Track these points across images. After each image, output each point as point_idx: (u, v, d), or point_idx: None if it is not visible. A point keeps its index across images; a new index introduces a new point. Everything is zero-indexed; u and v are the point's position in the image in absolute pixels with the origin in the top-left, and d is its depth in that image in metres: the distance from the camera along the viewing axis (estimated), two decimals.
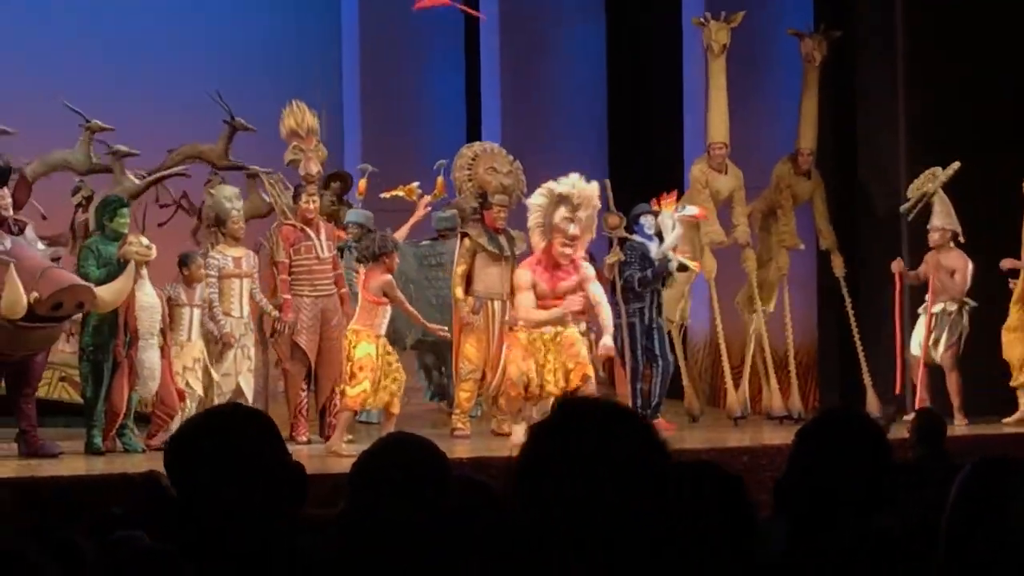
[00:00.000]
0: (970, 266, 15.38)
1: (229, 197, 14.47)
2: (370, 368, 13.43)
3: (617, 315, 14.96)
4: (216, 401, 13.70)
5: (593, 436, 2.95)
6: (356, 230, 15.65)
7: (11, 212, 13.07)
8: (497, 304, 15.02)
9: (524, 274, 13.95)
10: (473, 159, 15.28)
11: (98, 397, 13.38)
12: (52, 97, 15.92)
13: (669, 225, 15.34)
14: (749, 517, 4.21)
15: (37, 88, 17.76)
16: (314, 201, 14.55)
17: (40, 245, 13.34)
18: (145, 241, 13.57)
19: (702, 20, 16.60)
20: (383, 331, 13.66)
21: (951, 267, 15.40)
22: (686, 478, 3.93)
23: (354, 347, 13.54)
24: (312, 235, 14.44)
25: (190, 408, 13.85)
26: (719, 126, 16.26)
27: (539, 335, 13.69)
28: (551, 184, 13.90)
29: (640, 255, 15.39)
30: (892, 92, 16.98)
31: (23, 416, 13.04)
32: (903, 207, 15.75)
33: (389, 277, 13.63)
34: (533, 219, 13.89)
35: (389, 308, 13.66)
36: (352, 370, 13.51)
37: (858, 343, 16.25)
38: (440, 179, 16.24)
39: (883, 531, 4.16)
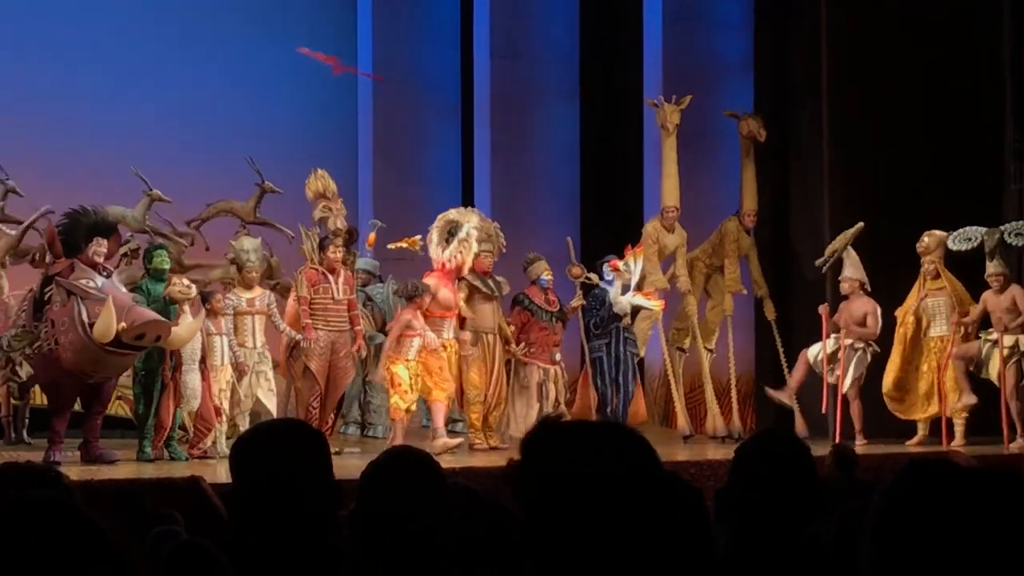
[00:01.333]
0: (878, 310, 15.30)
1: (247, 249, 14.38)
2: (403, 382, 13.89)
3: (590, 351, 15.29)
4: (237, 418, 14.01)
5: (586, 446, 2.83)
6: (364, 276, 15.98)
7: (102, 259, 13.08)
8: (490, 337, 14.83)
9: None
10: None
11: (148, 413, 13.50)
12: (122, 162, 15.92)
13: (633, 269, 15.35)
14: (707, 525, 4.19)
15: (100, 145, 18.05)
16: (339, 252, 14.51)
17: (123, 288, 13.31)
18: (185, 282, 13.67)
19: (656, 102, 16.58)
20: (412, 355, 13.94)
21: (862, 312, 15.31)
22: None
23: (387, 370, 13.98)
24: (331, 279, 14.33)
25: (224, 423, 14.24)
26: (672, 192, 16.14)
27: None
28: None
29: (600, 300, 15.29)
30: (820, 163, 16.85)
31: (90, 429, 13.20)
32: (817, 261, 15.70)
33: (408, 316, 13.99)
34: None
35: (417, 339, 13.95)
36: (392, 386, 14.01)
37: (787, 374, 16.13)
38: (372, 234, 16.54)
39: (813, 537, 4.19)
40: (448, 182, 20.29)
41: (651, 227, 16.15)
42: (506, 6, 19.46)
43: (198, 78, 19.50)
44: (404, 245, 15.47)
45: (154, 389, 13.50)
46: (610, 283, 15.36)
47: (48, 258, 13.22)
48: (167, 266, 13.81)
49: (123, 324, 12.48)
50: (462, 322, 14.76)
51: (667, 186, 16.16)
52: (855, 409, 15.25)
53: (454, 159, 20.58)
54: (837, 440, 13.94)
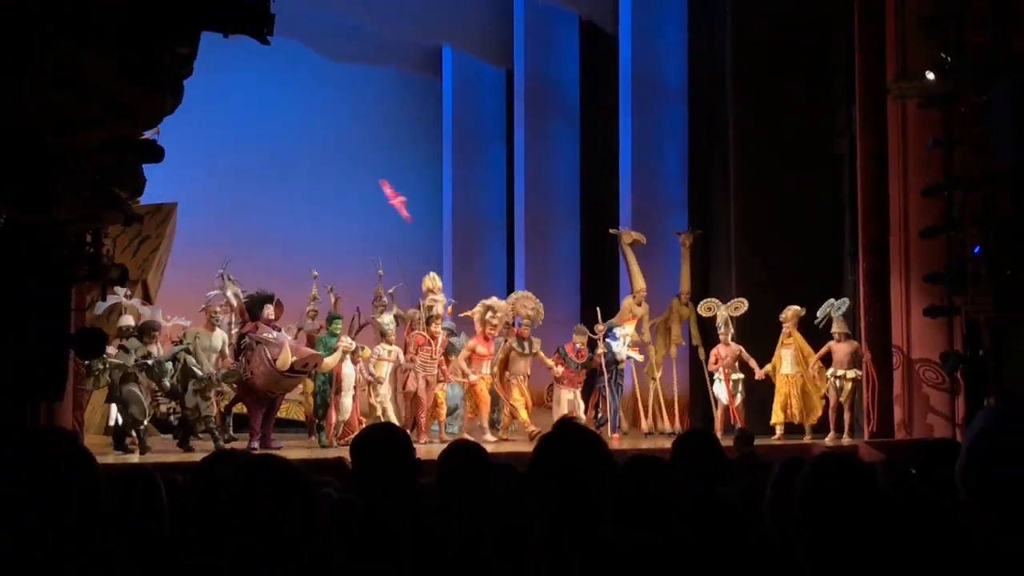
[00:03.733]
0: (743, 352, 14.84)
1: (387, 322, 14.12)
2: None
3: (602, 383, 14.97)
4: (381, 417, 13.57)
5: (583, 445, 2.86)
6: (446, 332, 15.02)
7: (272, 319, 12.92)
8: (520, 377, 14.50)
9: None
10: (515, 300, 14.99)
11: (322, 418, 13.43)
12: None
13: (622, 337, 15.25)
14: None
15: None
16: (439, 327, 14.20)
17: (289, 337, 13.18)
18: (349, 341, 13.52)
19: (616, 231, 16.43)
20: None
21: (738, 352, 14.84)
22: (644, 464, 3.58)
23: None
24: (431, 341, 14.11)
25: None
26: (639, 281, 15.95)
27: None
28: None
29: (611, 350, 15.04)
30: (728, 259, 16.59)
31: (268, 427, 12.92)
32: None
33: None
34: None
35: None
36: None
37: (711, 393, 15.52)
38: (449, 307, 15.77)
39: (724, 496, 4.04)
40: (498, 273, 20.17)
41: (626, 303, 15.97)
42: (533, 165, 19.22)
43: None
44: (469, 314, 15.01)
45: (323, 404, 13.43)
46: (616, 339, 15.18)
47: (241, 321, 13.12)
48: (339, 330, 13.50)
49: (295, 357, 12.54)
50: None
51: (635, 279, 15.92)
52: (740, 416, 14.67)
53: (502, 258, 20.38)
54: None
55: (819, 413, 14.52)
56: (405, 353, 14.12)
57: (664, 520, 2.96)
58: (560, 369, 14.54)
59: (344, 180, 19.42)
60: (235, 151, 18.39)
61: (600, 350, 14.90)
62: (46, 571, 2.21)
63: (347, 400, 13.45)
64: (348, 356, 13.51)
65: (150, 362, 12.27)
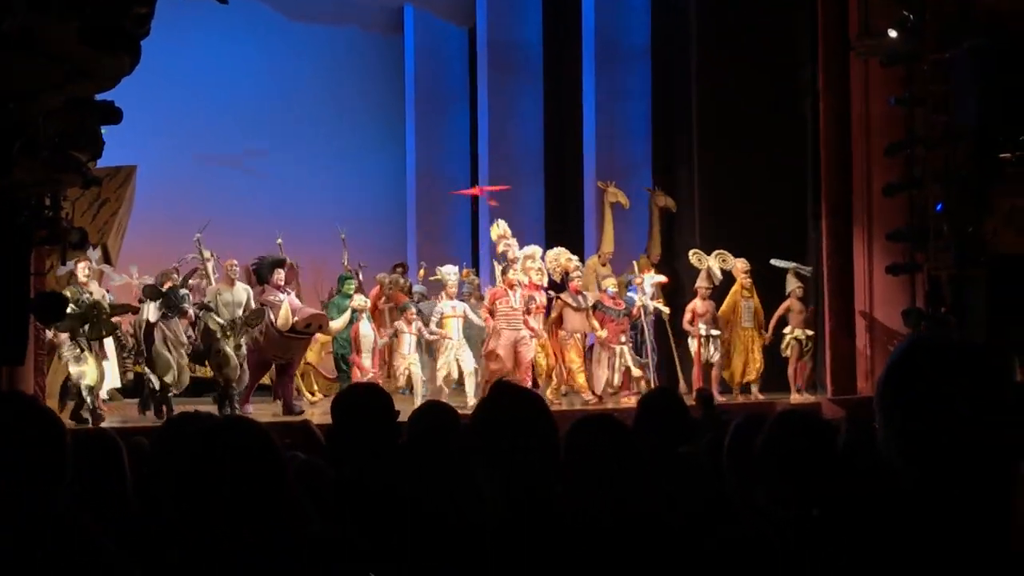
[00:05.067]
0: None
1: (449, 273, 13.54)
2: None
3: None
4: (440, 383, 13.02)
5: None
6: (419, 296, 15.17)
7: (282, 283, 12.62)
8: (578, 336, 13.87)
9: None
10: (557, 255, 14.30)
11: (346, 382, 12.71)
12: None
13: (653, 287, 15.02)
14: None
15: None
16: (516, 275, 13.23)
17: (298, 301, 12.81)
18: (363, 299, 13.15)
19: (604, 185, 16.22)
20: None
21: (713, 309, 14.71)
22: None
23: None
24: (510, 294, 13.19)
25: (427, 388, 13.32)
26: (608, 244, 15.89)
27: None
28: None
29: (631, 303, 14.54)
30: (692, 215, 16.57)
31: (286, 390, 12.59)
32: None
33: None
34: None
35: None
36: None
37: (675, 353, 15.53)
38: (421, 271, 15.86)
39: (686, 454, 4.12)
40: (463, 236, 20.12)
41: (592, 263, 15.92)
42: (496, 126, 19.11)
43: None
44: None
45: (344, 368, 13.01)
46: (635, 290, 14.92)
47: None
48: (352, 291, 13.14)
49: (296, 318, 12.19)
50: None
51: (607, 240, 15.81)
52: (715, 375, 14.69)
53: (467, 220, 20.30)
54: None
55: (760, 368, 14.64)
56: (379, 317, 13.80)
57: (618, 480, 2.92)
58: (604, 332, 13.96)
59: (306, 141, 19.30)
60: (196, 112, 18.23)
61: (639, 303, 14.54)
62: (13, 534, 2.21)
63: (367, 361, 12.98)
64: (368, 316, 13.15)
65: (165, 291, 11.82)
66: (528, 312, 13.17)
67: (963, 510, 1.87)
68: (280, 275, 12.65)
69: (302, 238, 15.38)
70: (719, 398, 13.60)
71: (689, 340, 14.77)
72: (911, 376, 1.95)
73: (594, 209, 16.85)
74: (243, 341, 12.09)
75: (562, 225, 18.61)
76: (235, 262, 12.59)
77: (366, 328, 13.05)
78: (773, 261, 14.86)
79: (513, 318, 13.04)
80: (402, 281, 14.67)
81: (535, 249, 13.78)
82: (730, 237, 15.38)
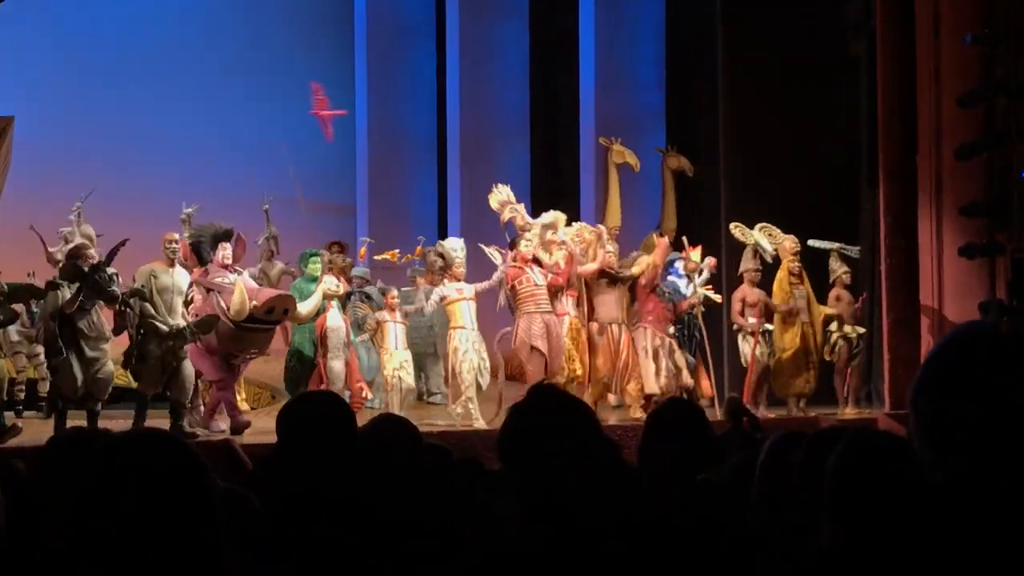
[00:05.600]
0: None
1: (455, 248, 13.46)
2: None
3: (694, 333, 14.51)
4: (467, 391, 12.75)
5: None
6: (359, 280, 14.99)
7: (231, 260, 12.42)
8: (615, 327, 13.63)
9: None
10: (579, 230, 14.14)
11: (298, 387, 12.52)
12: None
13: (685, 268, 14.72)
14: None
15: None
16: (530, 247, 13.24)
17: (253, 282, 12.58)
18: (335, 281, 12.95)
19: (609, 142, 15.86)
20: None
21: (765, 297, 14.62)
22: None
23: None
24: (529, 271, 13.11)
25: (377, 400, 13.39)
26: (614, 216, 15.32)
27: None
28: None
29: (674, 289, 14.39)
30: (716, 194, 16.75)
31: (230, 403, 12.26)
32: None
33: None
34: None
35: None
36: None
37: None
38: (363, 248, 15.78)
39: (708, 482, 4.06)
40: (427, 206, 20.38)
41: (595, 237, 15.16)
42: (470, 70, 19.34)
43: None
44: (387, 256, 15.11)
45: (303, 373, 12.80)
46: (680, 276, 14.64)
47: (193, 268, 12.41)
48: (318, 271, 12.89)
49: (255, 302, 11.80)
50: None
51: (611, 210, 15.43)
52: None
53: (431, 187, 20.55)
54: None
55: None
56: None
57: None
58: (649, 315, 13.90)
59: (230, 90, 19.40)
60: (92, 53, 18.32)
61: (694, 294, 14.37)
62: None
63: (337, 364, 12.72)
64: (338, 304, 12.98)
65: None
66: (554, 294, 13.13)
67: (1015, 509, 2.04)
68: (227, 251, 12.43)
69: (219, 211, 15.37)
70: (765, 413, 13.70)
71: (740, 338, 14.66)
72: (965, 364, 2.12)
73: (593, 173, 17.01)
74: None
75: (553, 193, 18.70)
76: (175, 236, 12.20)
77: (335, 319, 12.85)
78: (811, 242, 14.94)
79: (541, 297, 13.01)
80: (340, 262, 14.59)
81: (557, 216, 13.73)
82: (762, 212, 15.33)
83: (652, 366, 13.73)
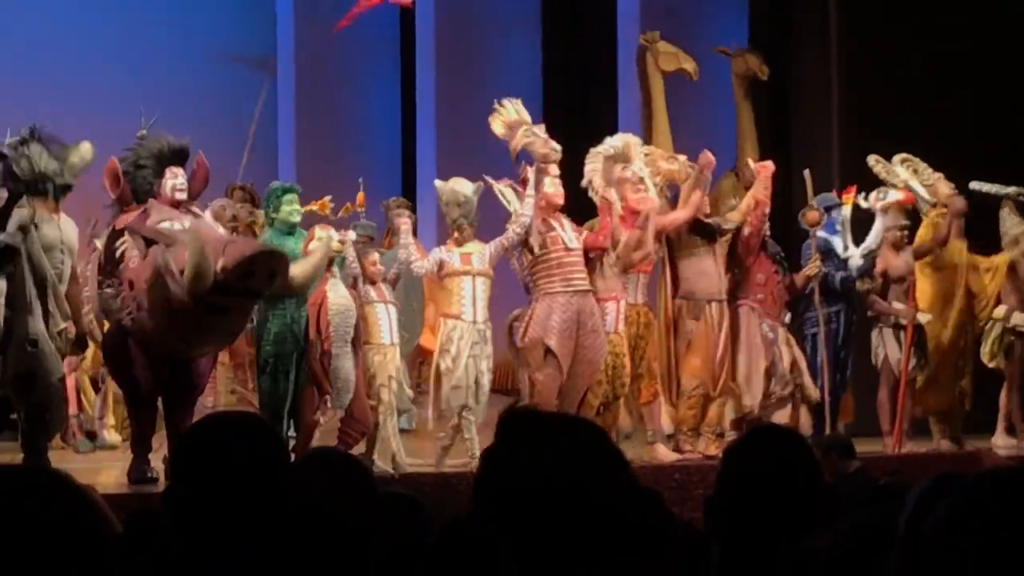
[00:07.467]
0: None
1: (463, 195, 13.07)
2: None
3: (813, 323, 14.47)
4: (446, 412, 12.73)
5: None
6: (363, 239, 14.71)
7: (184, 195, 11.84)
8: (714, 308, 13.75)
9: None
10: (651, 156, 14.11)
11: (279, 415, 12.09)
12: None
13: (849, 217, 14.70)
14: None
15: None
16: (557, 185, 13.11)
17: (219, 228, 12.47)
18: (335, 234, 12.38)
19: (649, 40, 15.90)
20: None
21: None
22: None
23: None
24: (556, 225, 13.04)
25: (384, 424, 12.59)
26: (665, 136, 15.50)
27: None
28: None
29: (827, 251, 14.46)
30: (828, 107, 17.27)
31: (184, 420, 11.35)
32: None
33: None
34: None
35: None
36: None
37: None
38: (361, 193, 15.09)
39: (814, 552, 4.06)
40: (385, 132, 20.73)
41: None
42: None
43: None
44: (314, 208, 15.20)
45: (288, 380, 12.18)
46: (836, 232, 14.69)
47: (113, 207, 11.89)
48: (298, 218, 12.55)
49: (222, 263, 10.63)
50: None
51: (660, 131, 15.43)
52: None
53: (392, 104, 20.97)
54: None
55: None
56: None
57: None
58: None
59: None
60: None
61: (815, 260, 14.31)
62: None
63: (347, 363, 12.31)
64: (339, 269, 12.50)
65: None
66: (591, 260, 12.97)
67: None
68: (179, 179, 11.96)
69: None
70: (914, 448, 14.02)
71: (875, 331, 14.88)
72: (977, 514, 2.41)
73: (631, 80, 16.92)
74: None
75: (572, 107, 19.17)
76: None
77: (340, 294, 12.39)
78: (974, 185, 15.12)
79: (573, 268, 12.87)
80: (245, 216, 14.41)
81: (628, 141, 13.71)
82: (890, 145, 15.48)
83: (759, 368, 13.65)
